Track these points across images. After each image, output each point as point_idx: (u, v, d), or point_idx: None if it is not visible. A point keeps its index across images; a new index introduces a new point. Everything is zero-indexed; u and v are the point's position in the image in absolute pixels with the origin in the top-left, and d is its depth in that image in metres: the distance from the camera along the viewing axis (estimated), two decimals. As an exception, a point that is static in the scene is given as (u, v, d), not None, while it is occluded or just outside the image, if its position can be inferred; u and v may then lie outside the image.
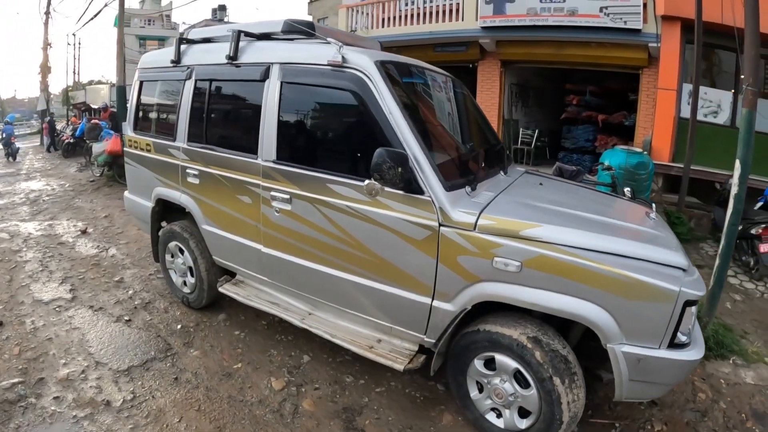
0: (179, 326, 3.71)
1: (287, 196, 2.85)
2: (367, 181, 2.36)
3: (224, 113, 3.50)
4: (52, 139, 15.28)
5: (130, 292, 4.33)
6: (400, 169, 2.26)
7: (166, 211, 4.05)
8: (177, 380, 3.04)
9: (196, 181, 3.48)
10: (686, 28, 8.18)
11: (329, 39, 2.77)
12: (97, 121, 9.98)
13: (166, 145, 3.73)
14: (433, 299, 2.47)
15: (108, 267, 4.94)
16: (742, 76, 4.01)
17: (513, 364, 2.34)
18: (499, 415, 2.52)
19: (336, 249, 2.72)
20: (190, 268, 3.79)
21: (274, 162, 2.91)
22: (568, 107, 10.93)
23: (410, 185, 2.36)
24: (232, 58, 3.15)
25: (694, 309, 2.14)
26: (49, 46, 17.90)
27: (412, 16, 10.87)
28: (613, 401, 2.89)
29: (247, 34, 3.23)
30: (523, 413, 2.42)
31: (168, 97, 3.84)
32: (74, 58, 21.64)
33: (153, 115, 4.05)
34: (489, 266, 2.27)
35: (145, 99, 4.11)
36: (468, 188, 2.51)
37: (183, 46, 3.65)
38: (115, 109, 12.40)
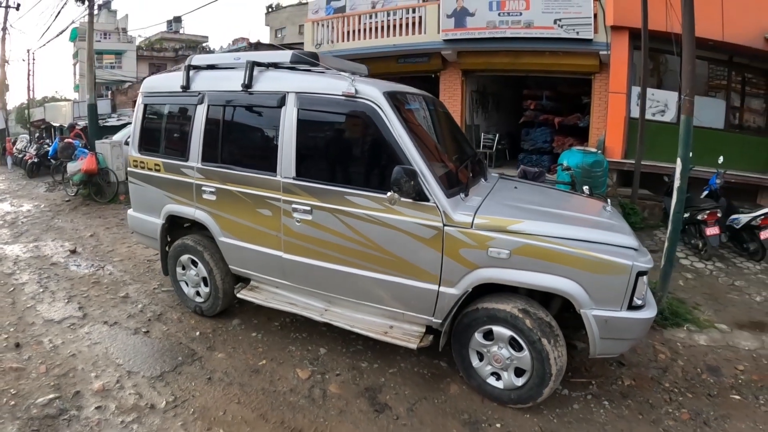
0: (197, 333, 3.87)
1: (308, 208, 3.22)
2: (389, 193, 2.82)
3: (240, 135, 3.71)
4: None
5: (140, 306, 4.41)
6: (412, 182, 2.75)
7: (172, 227, 4.20)
8: (210, 380, 3.23)
9: (213, 197, 3.71)
10: (633, 36, 8.84)
11: (343, 72, 3.29)
12: (70, 140, 9.72)
13: (177, 164, 3.90)
14: (439, 286, 2.94)
15: (109, 284, 4.97)
16: (683, 91, 4.64)
17: (508, 332, 2.84)
18: (498, 378, 2.99)
19: (354, 250, 3.13)
20: (204, 279, 3.96)
21: (293, 178, 3.26)
22: (526, 111, 11.54)
23: (419, 195, 2.83)
24: (247, 86, 3.44)
25: (645, 278, 2.72)
26: (6, 63, 17.11)
27: (374, 29, 11.18)
28: (588, 362, 3.42)
29: (259, 64, 3.51)
30: (518, 373, 2.91)
31: (177, 120, 4.04)
32: (28, 75, 20.78)
33: (161, 136, 4.18)
34: (485, 255, 2.79)
35: (150, 121, 4.25)
36: (462, 194, 3.03)
37: (191, 73, 3.84)
38: (80, 128, 12.12)
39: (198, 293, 4.10)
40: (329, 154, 3.39)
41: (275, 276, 3.58)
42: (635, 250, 2.76)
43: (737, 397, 3.21)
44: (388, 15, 10.93)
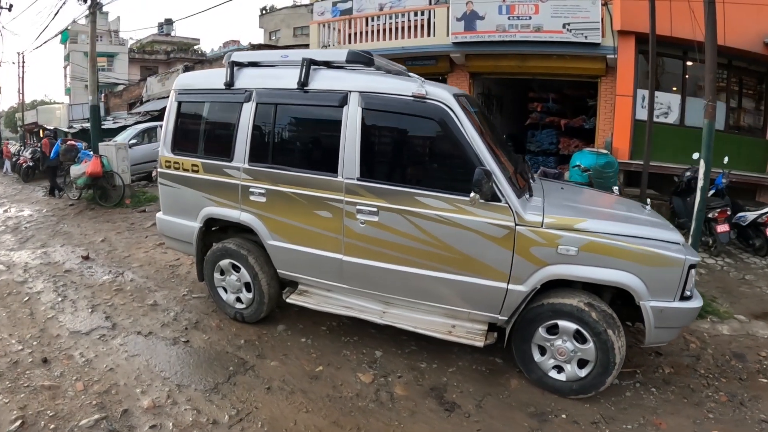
0: (242, 341, 3.59)
1: (374, 209, 3.11)
2: (471, 194, 2.78)
3: (294, 135, 3.59)
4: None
5: (171, 314, 4.08)
6: (490, 183, 2.75)
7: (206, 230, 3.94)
8: (270, 389, 2.98)
9: (262, 199, 3.49)
10: (639, 40, 8.84)
11: (411, 74, 3.29)
12: (73, 142, 9.24)
13: (220, 165, 3.65)
14: (508, 283, 2.93)
15: (133, 291, 4.62)
16: (706, 97, 4.84)
17: (573, 326, 2.86)
18: (560, 371, 3.00)
19: (422, 251, 3.05)
20: (247, 284, 3.71)
21: (357, 179, 3.14)
22: (532, 113, 11.45)
23: (493, 195, 2.84)
24: (303, 84, 3.26)
25: (694, 271, 2.85)
26: (-3, 66, 16.38)
27: (382, 31, 10.98)
28: (628, 353, 3.28)
29: (315, 63, 3.33)
30: (581, 364, 2.94)
31: (219, 119, 3.82)
32: (19, 78, 19.85)
33: (199, 136, 3.90)
34: (554, 253, 2.83)
35: (185, 120, 3.98)
36: (527, 195, 3.09)
37: (235, 70, 3.60)
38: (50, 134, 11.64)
39: (239, 299, 3.84)
40: (397, 155, 3.34)
41: (331, 279, 3.40)
42: (682, 245, 2.90)
43: (764, 380, 3.34)
44: (397, 17, 10.72)
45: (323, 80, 3.29)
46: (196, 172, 3.79)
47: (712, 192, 7.43)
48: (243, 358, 3.32)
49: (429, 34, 10.42)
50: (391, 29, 10.85)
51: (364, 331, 3.70)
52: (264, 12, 28.25)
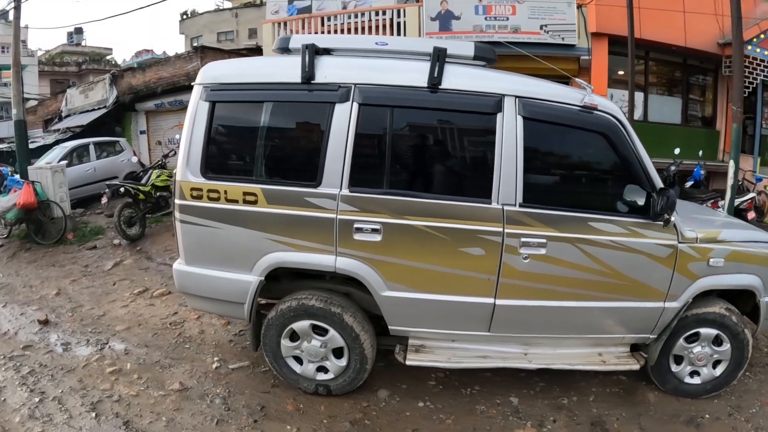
0: (346, 423, 2.65)
1: (543, 240, 2.57)
2: (665, 216, 2.53)
3: (422, 149, 2.80)
4: None
5: (217, 401, 2.87)
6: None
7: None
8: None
9: (375, 238, 2.58)
10: (611, 42, 8.86)
11: (578, 80, 2.84)
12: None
13: (299, 193, 2.61)
14: (665, 302, 2.72)
15: (139, 371, 3.25)
16: (734, 104, 5.56)
17: (714, 331, 2.82)
18: (695, 375, 2.93)
19: (590, 281, 2.66)
20: (338, 349, 2.80)
21: (520, 205, 2.55)
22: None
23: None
24: (436, 82, 2.51)
25: None
26: None
27: (346, 31, 9.93)
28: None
29: (448, 56, 2.55)
30: (714, 365, 2.91)
31: (292, 126, 2.84)
32: None
33: (255, 151, 2.76)
34: (705, 266, 2.72)
35: (226, 128, 2.82)
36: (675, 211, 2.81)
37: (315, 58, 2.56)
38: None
39: (322, 369, 2.87)
40: (563, 175, 2.92)
41: (468, 328, 2.75)
42: None
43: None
44: (363, 16, 9.73)
45: (461, 78, 2.55)
46: (253, 203, 2.64)
47: (690, 183, 7.59)
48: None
49: (398, 35, 9.57)
50: (356, 29, 9.82)
51: (478, 377, 3.12)
52: (185, 17, 25.54)
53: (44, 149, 10.46)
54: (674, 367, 2.90)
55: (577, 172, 2.95)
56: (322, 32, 10.08)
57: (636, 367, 2.82)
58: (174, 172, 2.84)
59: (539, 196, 2.58)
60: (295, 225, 2.61)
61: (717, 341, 2.84)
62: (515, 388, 3.02)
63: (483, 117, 2.56)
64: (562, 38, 8.75)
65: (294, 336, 2.81)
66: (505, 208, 2.51)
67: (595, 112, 2.54)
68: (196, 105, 2.71)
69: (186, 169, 2.72)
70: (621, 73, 9.44)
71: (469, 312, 2.67)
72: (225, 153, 2.84)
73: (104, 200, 6.76)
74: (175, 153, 9.07)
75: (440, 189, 2.67)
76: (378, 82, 2.56)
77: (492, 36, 8.89)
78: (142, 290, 4.86)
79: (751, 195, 6.58)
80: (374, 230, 2.55)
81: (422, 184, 2.71)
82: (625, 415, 2.83)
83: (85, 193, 8.86)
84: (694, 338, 2.83)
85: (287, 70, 2.60)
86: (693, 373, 2.93)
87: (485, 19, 8.92)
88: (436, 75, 2.48)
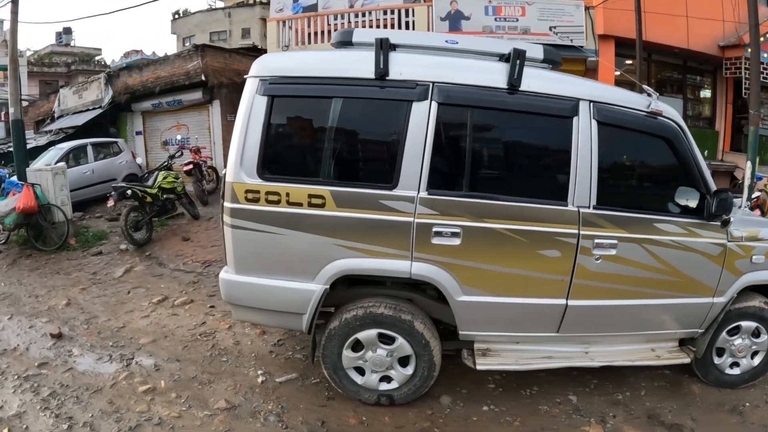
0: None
1: (614, 241, 2.59)
2: (724, 217, 2.64)
3: (503, 151, 2.77)
4: None
5: (272, 419, 2.61)
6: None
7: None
8: None
9: (454, 242, 2.45)
10: (618, 44, 8.80)
11: (645, 87, 2.81)
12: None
13: (373, 195, 2.43)
14: (713, 297, 2.79)
15: (176, 389, 2.92)
16: (752, 107, 5.93)
17: (753, 324, 2.92)
18: (734, 366, 3.01)
19: (652, 280, 2.69)
20: (404, 358, 2.65)
21: (594, 208, 2.55)
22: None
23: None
24: (515, 83, 2.42)
25: None
26: None
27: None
28: None
29: (524, 58, 2.45)
30: (752, 356, 3.02)
31: (364, 124, 2.60)
32: None
33: (321, 150, 2.52)
34: (749, 263, 2.82)
35: (288, 125, 2.59)
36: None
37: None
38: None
39: (385, 378, 2.70)
40: (631, 178, 3.01)
41: (537, 330, 2.72)
42: None
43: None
44: (370, 15, 9.45)
45: (538, 81, 2.48)
46: (320, 206, 2.41)
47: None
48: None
49: (406, 36, 9.34)
50: (364, 28, 9.57)
51: (535, 377, 3.08)
52: (177, 16, 24.70)
53: (37, 151, 9.87)
54: (716, 359, 2.99)
55: (643, 175, 2.98)
56: (328, 31, 9.82)
57: (687, 360, 2.89)
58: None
59: (611, 199, 2.59)
60: (367, 229, 2.40)
61: (756, 333, 2.96)
62: (571, 387, 3.02)
63: (560, 120, 2.50)
64: (571, 40, 8.61)
65: (357, 346, 2.60)
66: (581, 210, 2.50)
67: (660, 117, 2.58)
68: (252, 99, 2.43)
69: (239, 170, 2.43)
70: (617, 73, 9.45)
71: (541, 314, 2.64)
72: (286, 152, 2.58)
73: (111, 203, 6.31)
74: (182, 154, 8.75)
75: (518, 191, 2.55)
76: (457, 81, 2.42)
77: (502, 37, 8.74)
78: (161, 299, 4.49)
79: (757, 193, 6.64)
80: (454, 234, 2.42)
81: (501, 187, 2.58)
82: (676, 407, 2.90)
83: (83, 195, 8.36)
84: (735, 331, 2.93)
85: (357, 64, 2.40)
86: (733, 365, 3.03)
87: (495, 20, 8.75)
88: (516, 76, 2.39)
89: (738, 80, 9.29)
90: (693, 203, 2.63)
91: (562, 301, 2.60)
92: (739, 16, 9.26)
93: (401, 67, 2.41)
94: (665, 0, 8.54)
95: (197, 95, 10.85)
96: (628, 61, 9.38)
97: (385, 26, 9.41)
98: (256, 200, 2.42)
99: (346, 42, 2.63)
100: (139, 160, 7.89)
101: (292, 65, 2.52)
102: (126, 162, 9.58)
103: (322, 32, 9.81)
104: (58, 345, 3.60)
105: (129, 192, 6.34)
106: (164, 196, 7.02)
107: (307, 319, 2.52)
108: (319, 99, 2.49)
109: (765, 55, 8.26)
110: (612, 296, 2.67)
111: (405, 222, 2.40)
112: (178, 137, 9.50)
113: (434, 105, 2.39)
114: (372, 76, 2.38)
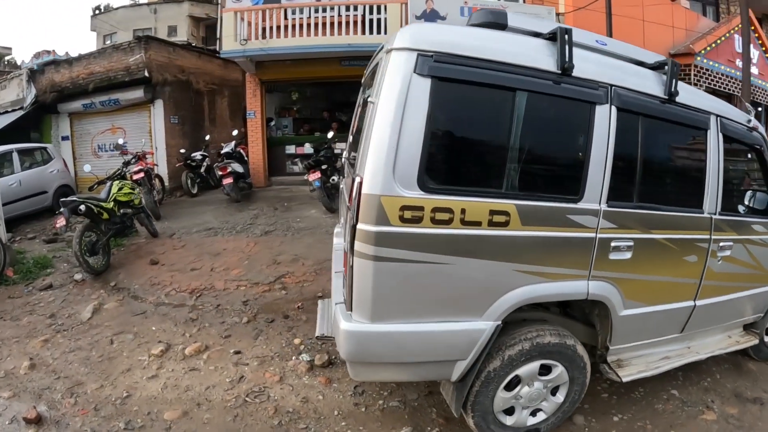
0: None
1: (730, 243, 2.73)
2: None
3: (660, 161, 2.64)
4: None
5: None
6: None
7: None
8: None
9: (626, 255, 2.27)
10: None
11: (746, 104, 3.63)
12: None
13: (560, 209, 2.06)
14: None
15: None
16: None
17: None
18: None
19: (746, 275, 2.88)
20: (558, 387, 2.35)
21: (720, 214, 2.65)
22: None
23: None
24: (672, 94, 2.33)
25: None
26: None
27: (319, 25, 8.70)
28: None
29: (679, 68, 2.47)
30: None
31: (548, 125, 2.12)
32: None
33: (504, 154, 2.00)
34: None
35: (457, 120, 1.98)
36: None
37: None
38: None
39: (536, 412, 2.38)
40: (740, 185, 3.15)
41: (666, 333, 2.68)
42: None
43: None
44: (339, 10, 8.57)
45: (685, 93, 2.42)
46: (503, 225, 1.93)
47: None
48: None
49: (379, 31, 8.58)
50: (332, 24, 8.61)
51: (640, 380, 2.89)
52: (98, 12, 21.54)
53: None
54: (766, 338, 3.23)
55: (743, 183, 3.18)
56: (286, 26, 8.79)
57: (756, 341, 3.10)
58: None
59: (728, 205, 2.71)
60: (549, 249, 2.05)
61: None
62: (665, 382, 3.03)
63: (699, 132, 2.55)
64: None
65: (514, 384, 2.21)
66: (717, 216, 2.61)
67: (756, 132, 2.81)
68: (408, 80, 1.76)
69: (391, 178, 1.73)
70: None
71: (674, 317, 2.65)
72: (455, 155, 1.97)
73: (61, 222, 4.83)
74: (139, 159, 7.17)
75: (672, 201, 2.54)
76: (628, 86, 2.21)
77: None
78: (163, 348, 3.39)
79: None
80: (627, 248, 2.26)
81: (661, 197, 2.49)
82: (748, 385, 3.08)
83: (10, 212, 6.51)
84: None
85: (534, 53, 1.99)
86: None
87: (471, 19, 8.40)
88: (673, 88, 2.32)
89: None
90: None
91: (692, 303, 2.65)
92: (688, 24, 9.97)
93: (581, 64, 2.03)
94: (625, 2, 8.74)
95: (138, 93, 9.22)
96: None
97: (355, 22, 8.62)
98: (417, 220, 1.74)
99: (498, 24, 2.09)
100: (87, 167, 6.29)
101: (461, 40, 1.89)
102: (57, 171, 7.81)
103: (278, 27, 8.74)
104: (38, 435, 2.43)
105: (82, 208, 4.92)
106: (121, 210, 5.63)
107: (466, 365, 2.01)
108: (499, 90, 1.92)
109: (710, 63, 8.90)
110: (724, 292, 2.82)
111: (588, 238, 2.12)
112: (120, 141, 7.86)
113: (614, 110, 2.14)
114: (554, 69, 1.97)
